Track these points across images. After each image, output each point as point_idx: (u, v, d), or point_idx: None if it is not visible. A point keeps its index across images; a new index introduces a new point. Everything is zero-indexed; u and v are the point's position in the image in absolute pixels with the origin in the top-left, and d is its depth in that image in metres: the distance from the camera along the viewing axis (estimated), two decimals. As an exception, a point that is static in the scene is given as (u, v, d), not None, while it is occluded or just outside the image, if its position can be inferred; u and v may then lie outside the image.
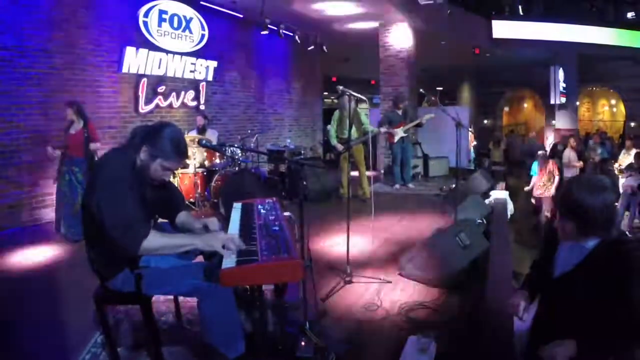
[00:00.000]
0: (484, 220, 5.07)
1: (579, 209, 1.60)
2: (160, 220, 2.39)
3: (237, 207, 2.74)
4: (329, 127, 7.22)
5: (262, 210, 2.55)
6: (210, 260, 2.21)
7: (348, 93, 3.64)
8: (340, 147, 6.78)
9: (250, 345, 2.13)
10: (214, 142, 6.30)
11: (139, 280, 2.05)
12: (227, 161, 6.65)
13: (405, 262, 3.70)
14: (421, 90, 12.11)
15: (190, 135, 6.48)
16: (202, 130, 6.98)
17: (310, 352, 2.29)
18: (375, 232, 4.60)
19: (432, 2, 9.22)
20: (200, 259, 2.33)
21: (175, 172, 5.93)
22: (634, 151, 9.00)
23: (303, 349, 2.30)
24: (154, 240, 1.94)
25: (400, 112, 7.95)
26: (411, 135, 8.44)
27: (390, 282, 3.56)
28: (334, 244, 4.66)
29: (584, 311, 1.62)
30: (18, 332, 2.89)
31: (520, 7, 13.32)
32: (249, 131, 7.59)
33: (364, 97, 4.10)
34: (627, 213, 7.20)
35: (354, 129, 6.67)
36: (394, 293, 3.38)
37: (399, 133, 7.75)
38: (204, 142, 2.74)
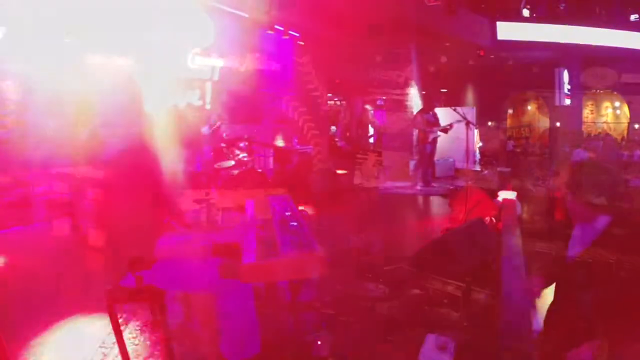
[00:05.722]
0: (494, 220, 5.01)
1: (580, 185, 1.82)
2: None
3: (249, 204, 2.70)
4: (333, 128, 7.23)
5: (276, 207, 2.50)
6: (226, 255, 2.14)
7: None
8: (344, 147, 6.74)
9: (266, 345, 2.07)
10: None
11: (151, 278, 1.99)
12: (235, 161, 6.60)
13: (418, 260, 3.64)
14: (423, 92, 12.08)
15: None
16: (217, 128, 6.93)
17: (327, 351, 2.23)
18: (388, 230, 4.54)
19: (438, 3, 9.19)
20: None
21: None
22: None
23: (320, 347, 2.24)
24: (170, 239, 1.89)
25: (431, 113, 8.19)
26: None
27: (403, 279, 3.50)
28: (344, 241, 4.57)
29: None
30: (28, 331, 2.83)
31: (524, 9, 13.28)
32: (255, 131, 7.56)
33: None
34: None
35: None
36: (407, 291, 3.32)
37: (435, 134, 7.98)
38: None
